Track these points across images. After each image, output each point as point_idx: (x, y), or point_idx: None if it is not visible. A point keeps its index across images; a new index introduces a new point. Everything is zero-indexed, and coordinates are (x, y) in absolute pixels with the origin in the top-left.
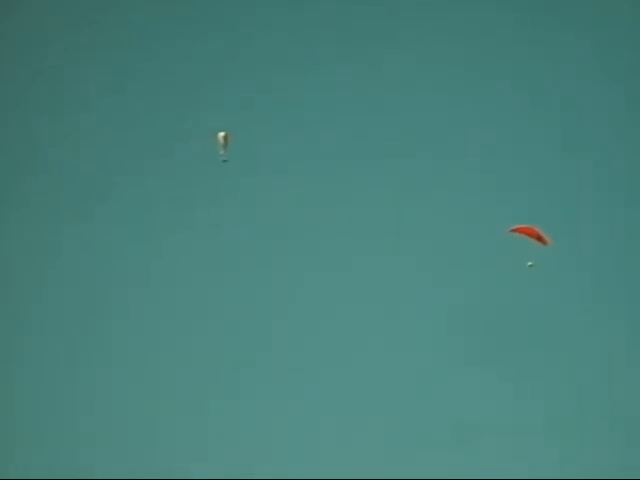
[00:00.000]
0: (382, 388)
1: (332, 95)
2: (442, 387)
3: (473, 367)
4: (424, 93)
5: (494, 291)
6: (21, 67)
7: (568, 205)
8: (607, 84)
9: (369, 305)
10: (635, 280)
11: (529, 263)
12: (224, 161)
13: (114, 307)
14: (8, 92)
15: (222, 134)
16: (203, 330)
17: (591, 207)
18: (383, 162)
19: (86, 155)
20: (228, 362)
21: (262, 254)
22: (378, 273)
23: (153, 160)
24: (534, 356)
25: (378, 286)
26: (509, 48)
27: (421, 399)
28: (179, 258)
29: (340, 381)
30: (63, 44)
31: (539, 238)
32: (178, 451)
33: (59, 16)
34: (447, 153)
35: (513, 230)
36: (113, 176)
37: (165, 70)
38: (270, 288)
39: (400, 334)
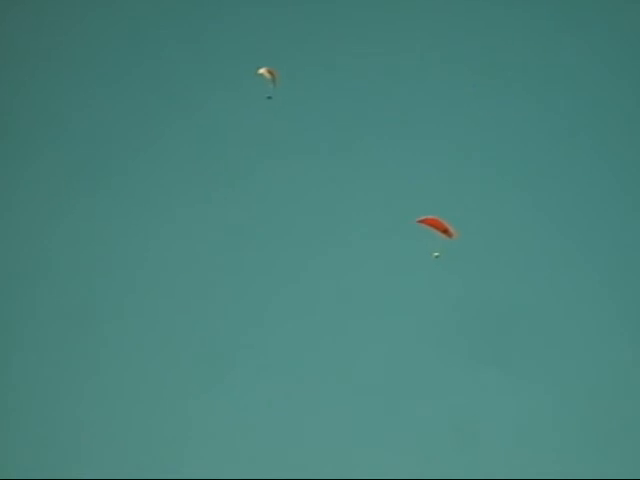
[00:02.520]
0: (382, 388)
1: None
2: (443, 387)
3: (474, 367)
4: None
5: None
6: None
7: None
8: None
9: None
10: (635, 279)
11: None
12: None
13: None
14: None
15: (263, 69)
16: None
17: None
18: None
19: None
20: (230, 360)
21: (263, 254)
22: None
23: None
24: (534, 356)
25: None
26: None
27: (421, 399)
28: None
29: (340, 381)
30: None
31: (445, 231)
32: (177, 451)
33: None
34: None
35: (420, 221)
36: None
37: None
38: (269, 290)
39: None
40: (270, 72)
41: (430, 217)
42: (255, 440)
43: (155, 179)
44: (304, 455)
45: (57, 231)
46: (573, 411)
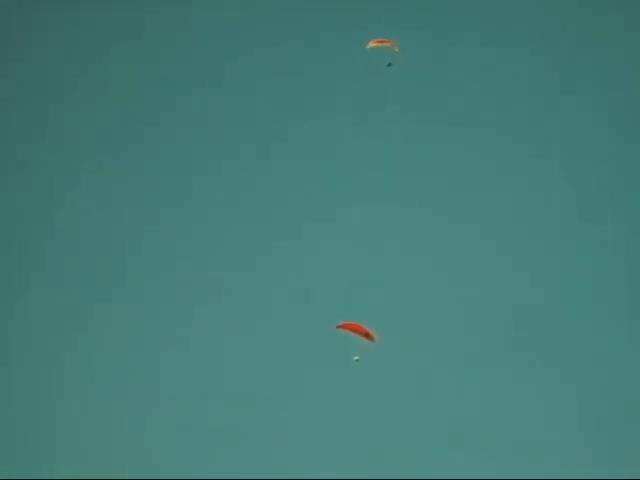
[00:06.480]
0: (382, 388)
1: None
2: (443, 388)
3: (475, 368)
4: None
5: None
6: None
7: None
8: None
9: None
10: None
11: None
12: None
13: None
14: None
15: (372, 42)
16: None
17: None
18: None
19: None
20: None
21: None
22: None
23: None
24: (535, 357)
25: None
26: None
27: (422, 399)
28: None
29: (340, 382)
30: None
31: (366, 335)
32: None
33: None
34: None
35: (340, 327)
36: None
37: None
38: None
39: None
40: (382, 42)
41: (350, 322)
42: (255, 440)
43: None
44: (305, 455)
45: None
46: (576, 411)
